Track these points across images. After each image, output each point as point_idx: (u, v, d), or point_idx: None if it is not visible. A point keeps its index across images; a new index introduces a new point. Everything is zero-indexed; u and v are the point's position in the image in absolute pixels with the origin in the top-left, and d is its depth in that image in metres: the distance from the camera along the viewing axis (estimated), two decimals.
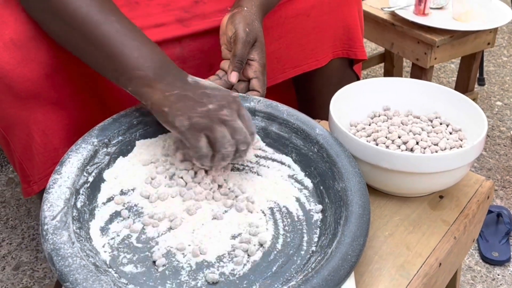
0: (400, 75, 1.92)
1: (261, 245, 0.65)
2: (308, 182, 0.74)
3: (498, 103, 1.93)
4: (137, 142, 0.74)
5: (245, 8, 0.82)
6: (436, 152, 0.77)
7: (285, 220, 0.69)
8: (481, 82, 2.02)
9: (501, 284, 1.24)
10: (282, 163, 0.77)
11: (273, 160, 0.77)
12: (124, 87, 0.70)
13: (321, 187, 0.72)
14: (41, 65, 0.74)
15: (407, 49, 1.50)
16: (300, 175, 0.75)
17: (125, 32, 0.69)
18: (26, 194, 0.85)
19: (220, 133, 0.66)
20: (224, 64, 0.84)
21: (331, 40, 0.98)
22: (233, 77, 0.80)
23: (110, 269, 0.61)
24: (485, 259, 1.29)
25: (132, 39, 0.69)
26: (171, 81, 0.68)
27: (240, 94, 0.80)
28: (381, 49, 2.08)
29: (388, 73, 1.91)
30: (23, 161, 0.83)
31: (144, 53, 0.69)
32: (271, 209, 0.70)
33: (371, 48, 2.28)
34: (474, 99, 1.72)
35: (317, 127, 0.76)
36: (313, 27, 0.96)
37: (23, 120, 0.78)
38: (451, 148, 0.78)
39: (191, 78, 0.71)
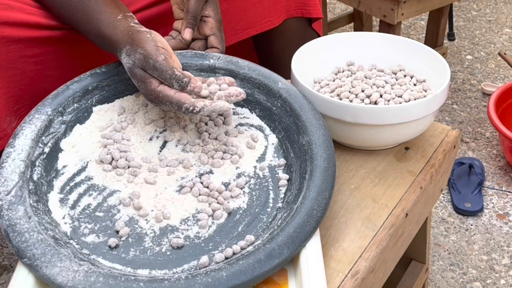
0: None
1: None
2: (273, 137, 0.73)
3: (469, 57, 1.93)
4: (94, 108, 0.72)
5: None
6: (400, 103, 0.76)
7: (251, 178, 0.68)
8: (451, 37, 2.01)
9: (474, 234, 1.26)
10: (246, 118, 0.75)
11: (237, 115, 0.75)
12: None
13: (286, 142, 0.71)
14: None
15: (374, 6, 1.48)
16: (266, 130, 0.74)
17: None
18: None
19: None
20: (177, 24, 0.81)
21: None
22: (187, 33, 0.77)
23: (71, 241, 0.60)
24: (458, 210, 1.30)
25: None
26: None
27: (199, 52, 0.78)
28: (350, 9, 2.05)
29: None
30: None
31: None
32: (238, 167, 0.69)
33: (341, 9, 2.26)
34: (443, 54, 1.71)
35: (280, 81, 0.74)
36: None
37: None
38: (415, 99, 0.77)
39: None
